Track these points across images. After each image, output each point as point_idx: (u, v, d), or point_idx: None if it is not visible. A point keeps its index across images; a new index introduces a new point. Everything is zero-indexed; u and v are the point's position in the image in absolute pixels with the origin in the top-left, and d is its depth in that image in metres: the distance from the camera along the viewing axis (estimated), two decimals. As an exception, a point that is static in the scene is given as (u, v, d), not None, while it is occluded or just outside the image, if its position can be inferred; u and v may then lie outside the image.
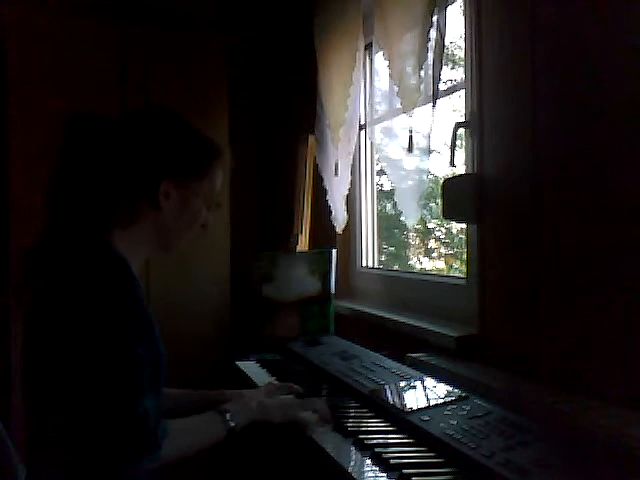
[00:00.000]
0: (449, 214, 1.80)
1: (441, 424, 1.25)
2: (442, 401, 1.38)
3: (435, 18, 1.75)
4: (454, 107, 2.34)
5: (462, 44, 1.85)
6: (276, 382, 1.72)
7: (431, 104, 1.78)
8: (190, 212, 1.37)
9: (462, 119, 1.82)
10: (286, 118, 3.26)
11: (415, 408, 1.37)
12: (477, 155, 1.73)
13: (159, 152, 1.32)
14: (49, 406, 1.21)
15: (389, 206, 3.19)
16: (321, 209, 2.66)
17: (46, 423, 1.22)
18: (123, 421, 1.15)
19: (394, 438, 1.29)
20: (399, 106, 1.95)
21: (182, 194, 1.34)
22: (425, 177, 1.92)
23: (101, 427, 1.15)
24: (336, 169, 2.48)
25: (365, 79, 2.52)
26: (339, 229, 2.56)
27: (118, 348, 1.17)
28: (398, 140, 2.13)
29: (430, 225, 3.45)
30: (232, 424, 1.34)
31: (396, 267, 3.36)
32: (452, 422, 1.25)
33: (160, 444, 1.19)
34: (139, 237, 1.33)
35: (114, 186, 1.29)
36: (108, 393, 1.15)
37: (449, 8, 1.79)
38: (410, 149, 1.90)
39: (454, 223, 3.01)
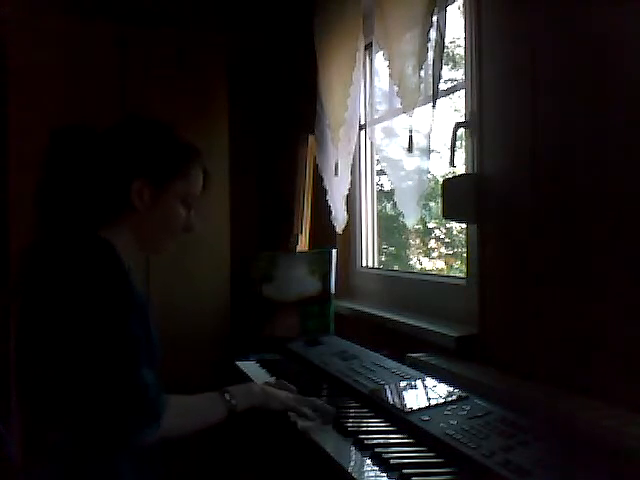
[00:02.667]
0: (449, 214, 1.80)
1: (441, 424, 1.25)
2: (442, 401, 1.38)
3: (435, 18, 1.75)
4: (455, 107, 2.34)
5: (462, 43, 1.85)
6: (272, 380, 1.73)
7: (431, 104, 1.78)
8: (166, 213, 1.40)
9: (462, 119, 1.82)
10: (286, 118, 3.26)
11: (415, 408, 1.36)
12: (477, 155, 1.73)
13: (128, 153, 1.37)
14: (46, 388, 1.24)
15: (389, 206, 3.19)
16: (321, 209, 2.66)
17: (44, 407, 1.25)
18: (124, 390, 1.18)
19: (394, 438, 1.29)
20: (399, 106, 1.95)
21: (156, 194, 1.37)
22: (425, 177, 1.92)
23: (102, 397, 1.18)
24: (336, 169, 2.48)
25: (365, 79, 2.52)
26: (339, 229, 2.56)
27: (115, 326, 1.21)
28: (398, 140, 2.13)
29: (430, 225, 3.45)
30: (234, 402, 1.36)
31: (396, 267, 3.36)
32: (452, 422, 1.25)
33: (160, 414, 1.22)
34: (122, 238, 1.37)
35: (93, 188, 1.36)
36: (108, 365, 1.19)
37: (449, 8, 1.79)
38: (410, 149, 1.90)
39: (454, 223, 3.01)
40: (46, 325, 1.24)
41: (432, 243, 3.53)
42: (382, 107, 2.36)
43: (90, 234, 1.33)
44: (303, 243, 2.82)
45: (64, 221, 1.34)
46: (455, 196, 1.75)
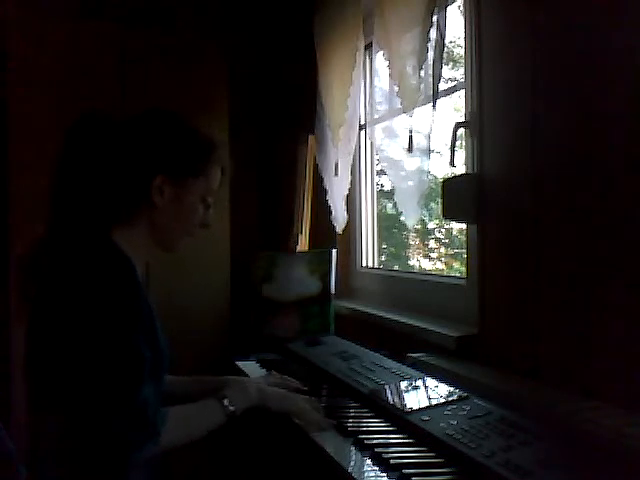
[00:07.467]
0: (449, 214, 1.80)
1: (441, 424, 1.25)
2: (442, 401, 1.38)
3: (435, 18, 1.75)
4: (455, 106, 2.33)
5: (462, 43, 1.85)
6: (277, 375, 1.72)
7: (431, 104, 1.78)
8: (185, 210, 1.38)
9: (462, 119, 1.82)
10: (286, 118, 3.26)
11: (415, 408, 1.36)
12: (477, 155, 1.73)
13: (151, 149, 1.35)
14: (51, 397, 1.24)
15: (389, 206, 3.19)
16: (321, 209, 2.66)
17: (48, 415, 1.25)
18: (122, 410, 1.18)
19: (394, 438, 1.29)
20: (399, 106, 1.95)
21: (176, 191, 1.36)
22: (425, 177, 1.92)
23: (101, 416, 1.18)
24: (336, 169, 2.48)
25: (365, 79, 2.52)
26: (339, 229, 2.56)
27: (118, 339, 1.20)
28: (398, 140, 2.13)
29: (430, 225, 3.45)
30: (232, 409, 1.35)
31: (396, 267, 3.36)
32: (452, 422, 1.25)
33: (159, 432, 1.21)
34: (138, 236, 1.36)
35: (110, 184, 1.32)
36: (108, 383, 1.18)
37: (449, 8, 1.79)
38: (410, 149, 1.90)
39: (454, 224, 3.01)
40: (53, 329, 1.23)
41: (432, 243, 3.53)
42: (382, 107, 2.36)
43: (105, 238, 1.30)
44: (303, 243, 2.82)
45: (79, 217, 1.31)
46: (455, 196, 1.75)
